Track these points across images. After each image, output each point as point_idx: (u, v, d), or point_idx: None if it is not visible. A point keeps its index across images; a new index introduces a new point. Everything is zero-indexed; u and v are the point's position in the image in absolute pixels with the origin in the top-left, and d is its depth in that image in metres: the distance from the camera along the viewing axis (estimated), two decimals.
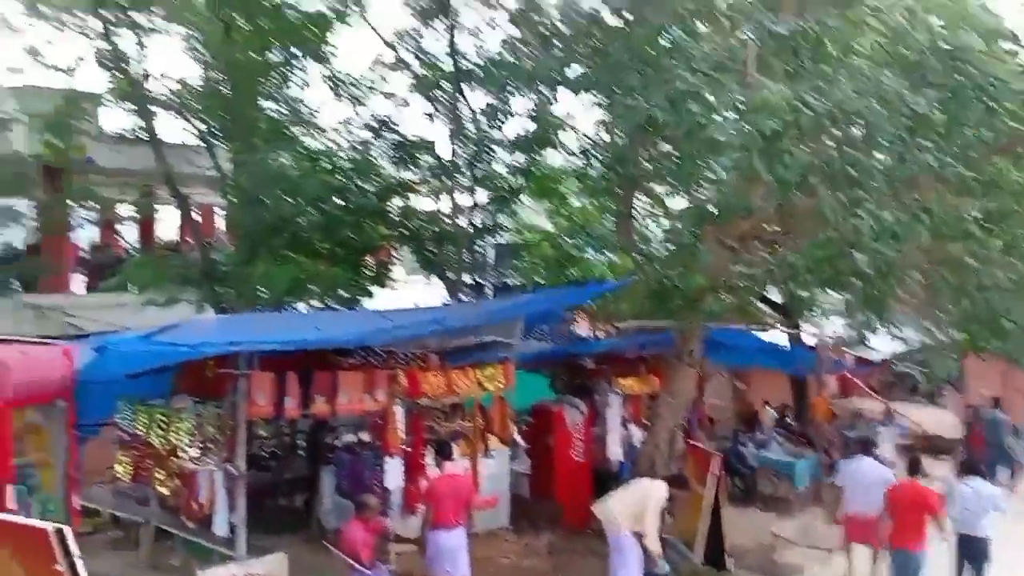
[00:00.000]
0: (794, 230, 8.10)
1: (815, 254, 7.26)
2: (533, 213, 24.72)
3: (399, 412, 8.41)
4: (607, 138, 14.02)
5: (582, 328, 17.99)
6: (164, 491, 7.84)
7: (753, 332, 13.35)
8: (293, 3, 16.67)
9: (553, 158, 19.05)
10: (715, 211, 8.79)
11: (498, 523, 9.86)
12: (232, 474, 7.06)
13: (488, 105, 17.25)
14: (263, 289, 11.90)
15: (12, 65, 16.80)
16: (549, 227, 22.72)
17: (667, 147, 9.22)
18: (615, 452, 11.64)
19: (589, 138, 15.45)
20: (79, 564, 3.44)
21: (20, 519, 3.93)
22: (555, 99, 10.43)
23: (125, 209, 19.13)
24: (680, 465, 10.12)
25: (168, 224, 22.34)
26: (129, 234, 21.78)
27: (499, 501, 9.85)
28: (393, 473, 8.33)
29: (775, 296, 14.14)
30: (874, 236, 6.21)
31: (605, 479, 10.90)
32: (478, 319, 9.06)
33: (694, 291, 8.95)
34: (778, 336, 15.93)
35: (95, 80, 17.37)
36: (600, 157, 12.23)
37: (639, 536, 7.87)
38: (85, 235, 20.18)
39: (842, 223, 6.30)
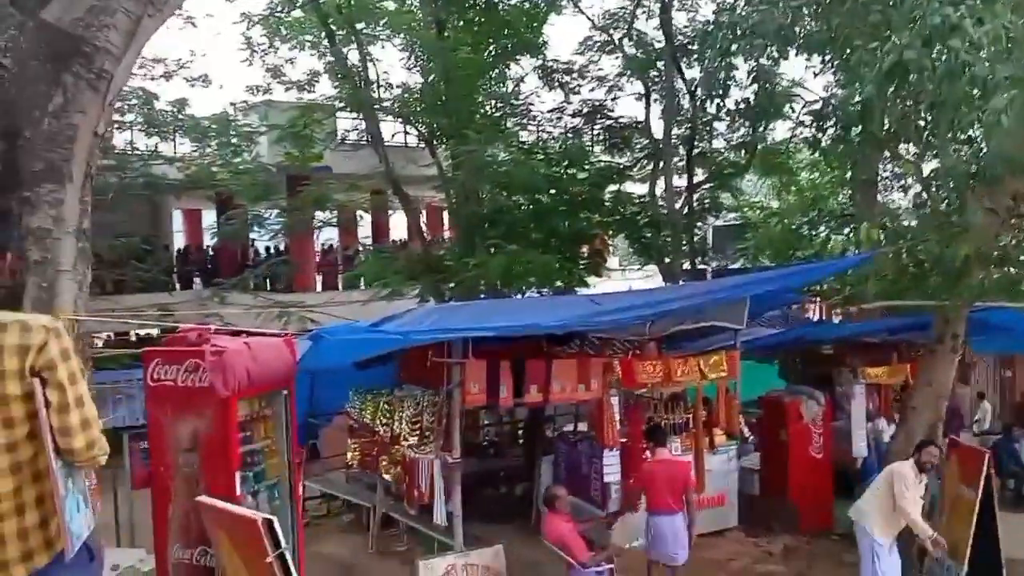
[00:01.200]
0: None
1: None
2: (757, 191, 23.33)
3: (615, 402, 7.99)
4: (843, 97, 12.71)
5: (813, 313, 16.57)
6: (389, 478, 8.04)
7: None
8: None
9: (778, 131, 17.79)
10: (980, 170, 7.45)
11: (726, 523, 9.14)
12: (447, 463, 7.03)
13: (706, 73, 16.37)
14: (480, 280, 12.03)
15: (256, 84, 18.38)
16: (775, 205, 21.28)
17: (916, 101, 7.96)
18: (860, 448, 10.52)
19: (822, 100, 14.14)
20: (287, 556, 3.34)
21: (233, 507, 3.95)
22: (785, 56, 9.38)
23: (357, 210, 20.42)
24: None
25: (396, 223, 23.75)
26: (362, 233, 23.37)
27: (726, 499, 9.10)
28: (611, 466, 7.93)
29: None
30: None
31: (848, 478, 9.86)
32: (698, 300, 8.37)
33: (958, 265, 7.64)
34: None
35: (328, 92, 18.53)
36: (835, 120, 10.94)
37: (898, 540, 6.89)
38: (324, 236, 21.97)
39: None
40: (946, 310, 8.71)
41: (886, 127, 8.12)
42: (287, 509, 5.59)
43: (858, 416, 10.64)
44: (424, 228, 18.44)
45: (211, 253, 21.69)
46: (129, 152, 17.71)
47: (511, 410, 10.48)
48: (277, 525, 3.41)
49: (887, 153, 11.00)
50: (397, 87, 17.51)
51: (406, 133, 20.64)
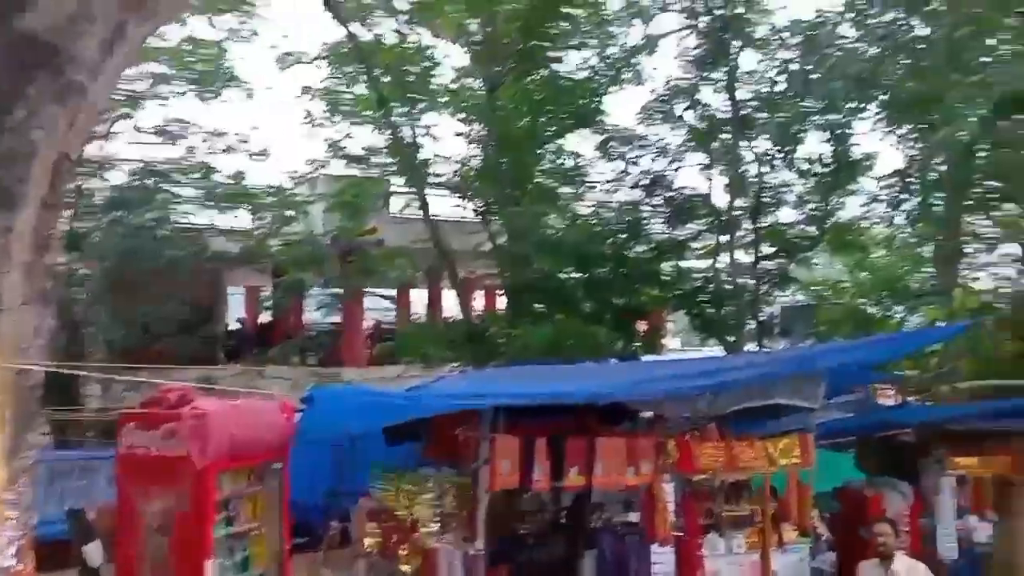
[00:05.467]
0: None
1: None
2: (829, 269, 22.21)
3: (668, 489, 7.01)
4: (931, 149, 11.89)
5: (888, 400, 15.25)
6: (408, 569, 7.14)
7: None
8: (566, 74, 16.69)
9: (851, 207, 16.94)
10: None
11: None
12: (469, 555, 6.13)
13: (775, 146, 15.73)
14: (525, 349, 11.28)
15: (314, 158, 18.48)
16: (847, 284, 20.15)
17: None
18: (948, 549, 9.19)
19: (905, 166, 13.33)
20: None
21: None
22: (863, 108, 8.65)
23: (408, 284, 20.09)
24: None
25: (450, 298, 23.30)
26: (417, 308, 22.96)
27: None
28: (661, 564, 6.88)
29: None
30: None
31: None
32: (767, 370, 7.40)
33: None
34: None
35: (385, 167, 18.51)
36: (915, 186, 10.12)
37: None
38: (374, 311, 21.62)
39: None
40: None
41: (980, 183, 7.25)
42: None
43: (945, 513, 9.39)
44: (474, 303, 17.96)
45: (264, 327, 21.50)
46: (186, 224, 17.81)
47: (556, 496, 9.51)
48: None
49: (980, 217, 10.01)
50: (453, 160, 17.39)
51: (461, 207, 20.47)
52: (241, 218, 18.93)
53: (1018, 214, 8.28)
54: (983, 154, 7.56)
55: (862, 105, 9.56)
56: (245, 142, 18.40)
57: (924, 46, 6.79)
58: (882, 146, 16.58)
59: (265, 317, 21.88)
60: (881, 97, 8.34)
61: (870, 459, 10.81)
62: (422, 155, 16.98)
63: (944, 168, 11.00)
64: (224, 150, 18.31)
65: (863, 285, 18.76)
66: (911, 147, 13.23)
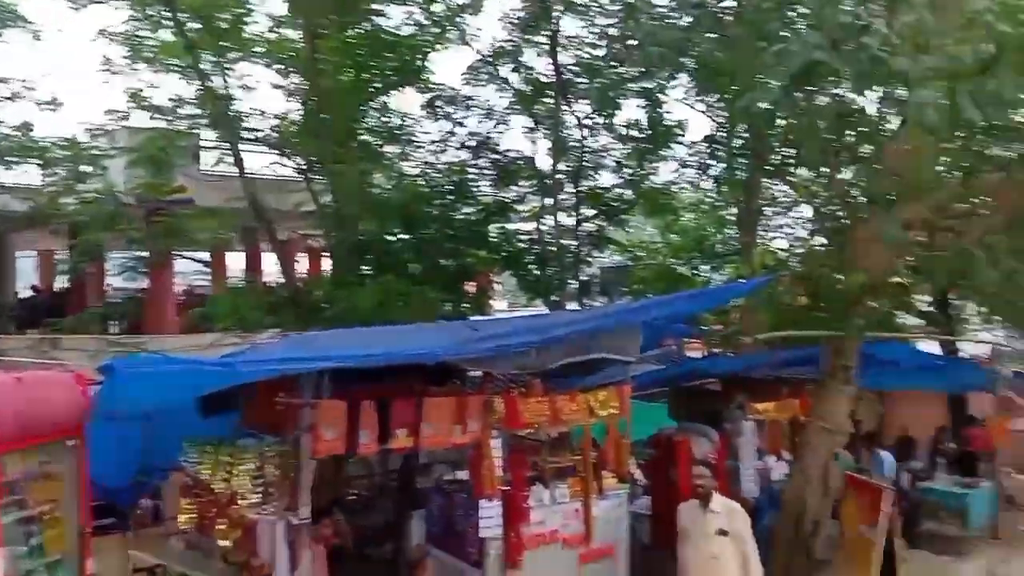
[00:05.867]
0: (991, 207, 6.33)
1: None
2: (643, 231, 23.37)
3: (495, 445, 7.10)
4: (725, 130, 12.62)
5: (696, 353, 16.39)
6: (227, 543, 6.82)
7: (914, 344, 11.35)
8: (391, 28, 16.20)
9: (664, 174, 17.83)
10: (874, 194, 7.13)
11: None
12: (292, 524, 5.92)
13: (594, 111, 16.16)
14: (350, 312, 10.97)
15: (115, 109, 16.82)
16: (660, 245, 21.30)
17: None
18: (749, 488, 10.00)
19: (706, 139, 14.09)
20: None
21: None
22: (675, 75, 8.96)
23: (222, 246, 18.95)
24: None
25: (267, 260, 22.29)
26: (232, 271, 21.79)
27: (616, 550, 8.29)
28: (489, 519, 6.99)
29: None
30: None
31: None
32: (589, 325, 7.62)
33: (852, 294, 7.24)
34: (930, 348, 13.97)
35: (194, 120, 17.17)
36: (721, 152, 10.74)
37: None
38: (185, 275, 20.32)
39: None
40: (838, 342, 8.35)
41: (778, 150, 7.79)
42: None
43: (747, 454, 10.18)
44: (297, 266, 17.28)
45: (60, 294, 19.59)
46: None
47: (384, 459, 9.42)
48: None
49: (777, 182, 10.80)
50: (270, 114, 16.49)
51: (280, 164, 19.50)
52: (30, 174, 17.02)
53: (810, 179, 9.01)
54: (781, 122, 8.14)
55: (675, 73, 10.01)
56: (32, 90, 16.49)
57: (732, 17, 7.17)
58: (693, 113, 17.46)
59: (62, 283, 19.95)
60: (692, 66, 8.77)
61: (680, 408, 11.53)
62: (236, 108, 15.96)
63: (747, 135, 11.80)
64: (8, 98, 16.34)
65: (674, 246, 19.85)
66: (718, 115, 14.08)
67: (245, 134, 15.97)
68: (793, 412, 10.62)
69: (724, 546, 6.27)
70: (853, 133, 7.28)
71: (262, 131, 16.40)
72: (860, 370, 8.99)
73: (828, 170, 7.61)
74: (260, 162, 17.17)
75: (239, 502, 6.58)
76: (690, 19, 7.84)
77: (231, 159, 15.80)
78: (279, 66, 16.45)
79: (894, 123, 7.42)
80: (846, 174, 7.99)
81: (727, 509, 6.46)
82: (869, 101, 6.67)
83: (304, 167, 15.50)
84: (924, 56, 4.59)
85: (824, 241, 8.47)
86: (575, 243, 17.09)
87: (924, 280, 8.49)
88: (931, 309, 13.32)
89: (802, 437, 8.94)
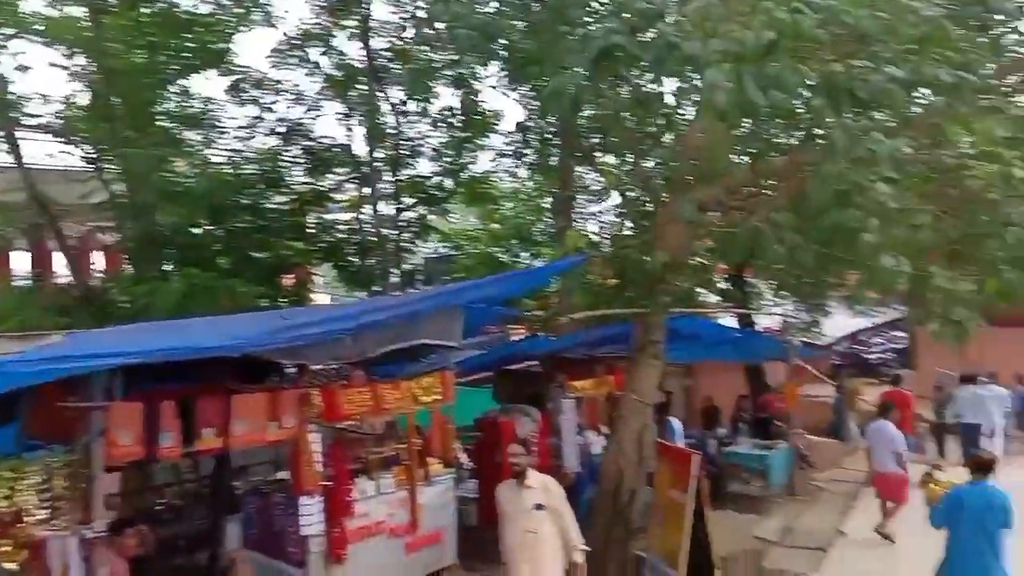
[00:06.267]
0: (776, 188, 6.87)
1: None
2: (467, 220, 23.55)
3: (314, 439, 6.86)
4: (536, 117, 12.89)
5: (519, 337, 16.79)
6: (12, 566, 6.11)
7: (714, 319, 12.20)
8: (187, 7, 15.16)
9: (483, 163, 18.00)
10: (671, 176, 7.54)
11: (444, 561, 8.32)
12: (86, 538, 5.40)
13: (408, 97, 16.00)
14: (150, 309, 10.17)
15: None
16: (481, 233, 21.56)
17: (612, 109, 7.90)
18: (571, 464, 10.38)
19: (519, 127, 14.34)
20: None
21: None
22: (484, 66, 8.99)
23: None
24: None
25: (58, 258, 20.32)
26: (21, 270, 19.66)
27: (443, 535, 8.30)
28: (309, 516, 6.74)
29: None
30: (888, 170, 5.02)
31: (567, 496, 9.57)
32: (408, 310, 7.50)
33: (655, 273, 7.63)
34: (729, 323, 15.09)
35: None
36: (536, 134, 10.96)
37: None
38: None
39: (856, 154, 5.02)
40: (645, 319, 8.77)
41: (586, 135, 8.05)
42: None
43: (568, 431, 10.54)
44: (91, 263, 15.83)
45: None
46: None
47: (195, 464, 8.84)
48: None
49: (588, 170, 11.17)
50: (53, 99, 14.94)
51: (67, 153, 17.76)
52: None
53: (616, 165, 9.41)
54: (587, 110, 8.42)
55: (486, 59, 10.07)
56: None
57: (537, 3, 7.31)
58: (508, 102, 17.78)
59: None
60: (502, 53, 8.87)
61: (505, 390, 11.72)
62: (11, 91, 14.35)
63: (557, 123, 12.11)
64: None
65: (495, 234, 20.14)
66: (530, 103, 14.35)
67: (23, 120, 14.41)
68: (609, 388, 11.13)
69: (542, 520, 6.40)
70: (653, 120, 7.63)
71: (43, 116, 14.88)
72: (667, 344, 9.55)
73: (632, 156, 7.94)
74: (43, 151, 15.59)
75: (25, 520, 5.91)
76: (497, 3, 7.90)
77: (6, 147, 14.22)
78: (61, 47, 14.95)
79: (691, 112, 7.87)
80: (650, 161, 8.38)
81: (542, 484, 6.60)
82: (668, 91, 7.01)
83: (93, 155, 14.21)
84: (713, 40, 4.89)
85: (631, 224, 8.84)
86: (396, 233, 16.88)
87: (720, 258, 9.08)
88: (728, 286, 14.35)
89: (616, 411, 9.32)
